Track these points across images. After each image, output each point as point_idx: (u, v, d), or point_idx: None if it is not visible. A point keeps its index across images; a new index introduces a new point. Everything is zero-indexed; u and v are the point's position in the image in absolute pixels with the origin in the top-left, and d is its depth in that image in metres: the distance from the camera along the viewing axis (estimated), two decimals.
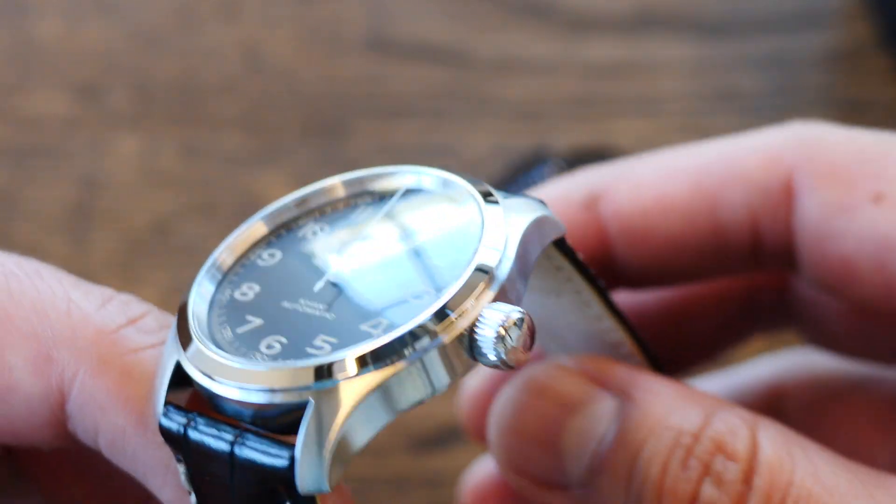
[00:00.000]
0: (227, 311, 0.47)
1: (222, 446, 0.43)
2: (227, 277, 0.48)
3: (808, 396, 0.56)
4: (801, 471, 0.49)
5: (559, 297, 0.52)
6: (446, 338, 0.43)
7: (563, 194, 0.57)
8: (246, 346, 0.45)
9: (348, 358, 0.43)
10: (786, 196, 0.54)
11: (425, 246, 0.47)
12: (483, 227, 0.46)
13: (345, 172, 0.50)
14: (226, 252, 0.49)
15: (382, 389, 0.43)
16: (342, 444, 0.42)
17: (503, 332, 0.44)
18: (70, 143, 0.91)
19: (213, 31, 0.97)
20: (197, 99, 0.93)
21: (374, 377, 0.43)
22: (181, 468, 0.45)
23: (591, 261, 0.51)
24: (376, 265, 0.47)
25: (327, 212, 0.50)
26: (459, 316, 0.44)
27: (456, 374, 0.44)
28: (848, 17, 0.98)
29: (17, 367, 0.46)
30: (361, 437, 0.43)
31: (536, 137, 0.92)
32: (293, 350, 0.44)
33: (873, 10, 0.97)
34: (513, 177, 0.88)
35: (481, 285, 0.44)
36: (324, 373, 0.43)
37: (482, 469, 0.61)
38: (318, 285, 0.47)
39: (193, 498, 0.45)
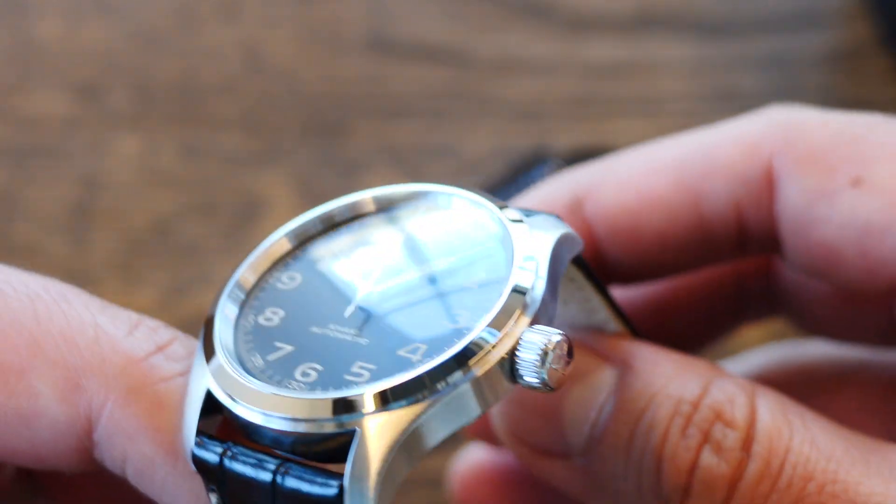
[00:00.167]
0: (255, 337, 0.46)
1: (264, 476, 0.43)
2: (248, 302, 0.48)
3: (798, 386, 0.56)
4: (799, 437, 0.49)
5: (566, 305, 0.52)
6: (489, 363, 0.43)
7: (547, 199, 0.57)
8: (280, 373, 0.45)
9: (394, 386, 0.42)
10: (767, 184, 0.54)
11: (454, 267, 0.47)
12: (513, 247, 0.46)
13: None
14: (248, 271, 0.48)
15: (429, 416, 0.43)
16: (391, 470, 0.42)
17: (545, 355, 0.44)
18: (70, 143, 0.91)
19: (213, 31, 0.97)
20: (197, 99, 0.93)
21: (421, 405, 0.42)
22: (213, 498, 0.44)
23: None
24: (405, 288, 0.47)
25: (341, 229, 0.50)
26: (500, 341, 0.43)
27: (498, 398, 0.44)
28: (848, 17, 0.98)
29: (43, 394, 0.45)
30: (412, 461, 0.43)
31: (536, 137, 0.92)
32: (331, 377, 0.44)
33: (873, 10, 0.97)
34: (513, 177, 0.88)
35: (519, 308, 0.44)
36: (370, 402, 0.42)
37: (469, 458, 0.61)
38: (349, 310, 0.46)
39: None
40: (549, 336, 0.44)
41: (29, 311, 0.46)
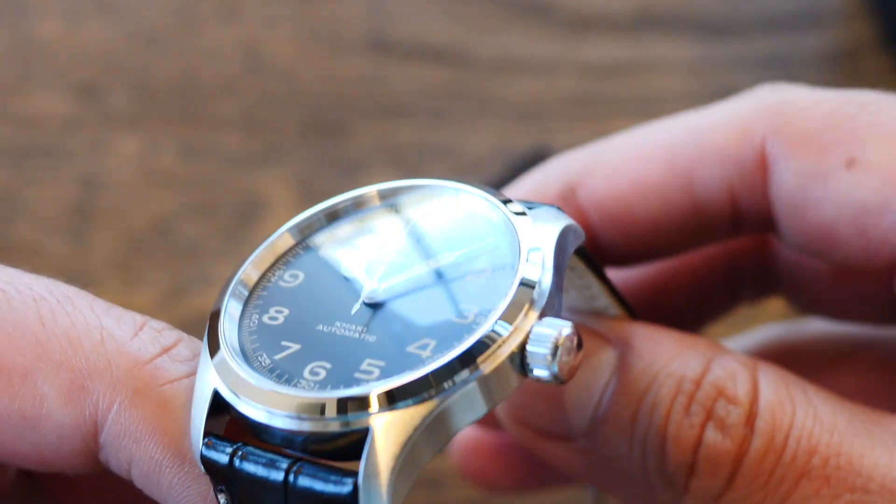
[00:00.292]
0: (260, 336, 0.46)
1: (277, 476, 0.43)
2: (252, 300, 0.48)
3: (797, 364, 0.56)
4: (802, 412, 0.49)
5: (566, 292, 0.52)
6: (499, 359, 0.43)
7: (538, 188, 0.57)
8: (289, 372, 0.44)
9: (405, 384, 0.42)
10: (760, 167, 0.54)
11: (459, 261, 0.47)
12: (518, 240, 0.46)
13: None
14: (251, 268, 0.48)
15: (443, 412, 0.42)
16: (404, 468, 0.42)
17: (555, 348, 0.43)
18: (70, 143, 0.91)
19: (213, 31, 0.97)
20: (197, 99, 0.93)
21: (432, 403, 0.42)
22: (222, 499, 0.44)
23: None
24: (411, 283, 0.47)
25: (342, 230, 0.49)
26: (510, 335, 0.43)
27: (508, 392, 0.44)
28: (848, 17, 0.98)
29: (49, 397, 0.45)
30: (424, 458, 0.43)
31: (536, 137, 0.92)
32: (340, 375, 0.44)
33: (873, 10, 0.97)
34: (513, 177, 0.88)
35: (527, 301, 0.44)
36: (383, 399, 0.42)
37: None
38: (355, 308, 0.46)
39: None
40: (559, 329, 0.43)
41: (33, 314, 0.46)
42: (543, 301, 0.44)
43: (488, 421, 0.59)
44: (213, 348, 0.45)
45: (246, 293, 0.47)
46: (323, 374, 0.44)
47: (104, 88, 0.94)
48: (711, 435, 0.49)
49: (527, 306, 0.44)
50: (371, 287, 0.46)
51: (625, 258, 0.57)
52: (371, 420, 0.42)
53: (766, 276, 0.61)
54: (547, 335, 0.43)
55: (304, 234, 0.49)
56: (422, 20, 0.98)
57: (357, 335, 0.45)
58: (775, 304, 0.66)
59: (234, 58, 0.95)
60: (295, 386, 0.44)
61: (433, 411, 0.42)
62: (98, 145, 0.91)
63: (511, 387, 0.44)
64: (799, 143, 0.53)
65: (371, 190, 0.50)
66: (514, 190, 0.58)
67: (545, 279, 0.45)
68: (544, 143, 0.91)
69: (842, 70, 0.96)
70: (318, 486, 0.42)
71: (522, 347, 0.43)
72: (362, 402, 0.42)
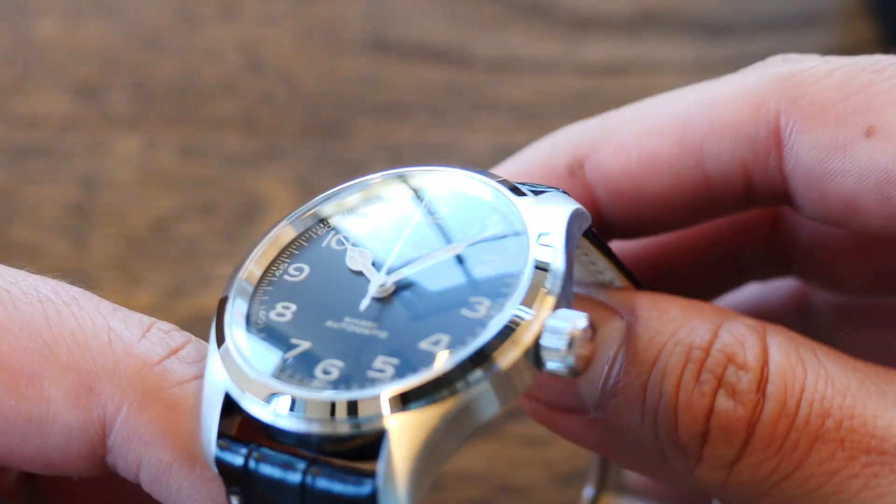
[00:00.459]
0: (269, 333, 0.46)
1: (294, 477, 0.42)
2: (257, 296, 0.47)
3: (836, 301, 0.55)
4: (813, 374, 0.49)
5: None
6: (515, 354, 0.42)
7: (545, 160, 0.57)
8: (301, 372, 0.44)
9: (422, 383, 0.42)
10: (774, 142, 0.53)
11: (468, 252, 0.46)
12: (527, 229, 0.45)
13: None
14: (254, 263, 0.47)
15: (459, 411, 0.42)
16: (425, 466, 0.42)
17: (571, 341, 0.43)
18: (69, 142, 0.91)
19: (213, 31, 0.97)
20: (196, 99, 0.93)
21: (450, 402, 0.42)
22: (235, 501, 0.44)
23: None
24: (420, 276, 0.46)
25: (345, 220, 0.49)
26: (524, 329, 0.43)
27: (525, 386, 0.43)
28: (848, 17, 0.98)
29: (55, 399, 0.45)
30: (442, 456, 0.42)
31: (536, 137, 0.91)
32: (353, 374, 0.43)
33: (873, 10, 0.97)
34: None
35: (540, 294, 0.43)
36: (398, 401, 0.42)
37: None
38: (364, 303, 0.45)
39: None
40: (574, 322, 0.43)
41: (40, 315, 0.46)
42: (557, 292, 0.44)
43: None
44: (220, 338, 0.45)
45: (251, 289, 0.47)
46: (336, 372, 0.43)
47: (104, 88, 0.94)
48: (723, 402, 0.48)
49: (540, 299, 0.43)
50: (380, 281, 0.46)
51: (631, 231, 0.57)
52: (387, 421, 0.42)
53: (777, 253, 0.61)
54: (562, 328, 0.43)
55: (307, 226, 0.49)
56: (422, 20, 0.97)
57: (368, 331, 0.44)
58: None
59: (233, 58, 0.95)
60: (308, 386, 0.43)
61: (451, 410, 0.42)
62: (98, 145, 0.91)
63: (527, 380, 0.43)
64: (815, 115, 0.52)
65: (374, 176, 0.49)
66: (521, 159, 0.57)
67: (557, 269, 0.44)
68: None
69: None
70: (337, 487, 0.42)
71: (537, 341, 0.43)
72: (378, 404, 0.42)
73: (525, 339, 0.43)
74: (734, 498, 0.50)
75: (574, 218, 0.46)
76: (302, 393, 0.43)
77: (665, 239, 0.60)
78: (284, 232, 0.48)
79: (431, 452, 0.42)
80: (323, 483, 0.42)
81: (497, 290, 0.44)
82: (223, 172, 0.90)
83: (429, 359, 0.43)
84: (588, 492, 0.67)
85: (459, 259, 0.46)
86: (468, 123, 0.92)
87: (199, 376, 0.45)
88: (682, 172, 0.55)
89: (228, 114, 0.92)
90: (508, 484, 0.74)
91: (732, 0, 0.99)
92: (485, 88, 0.94)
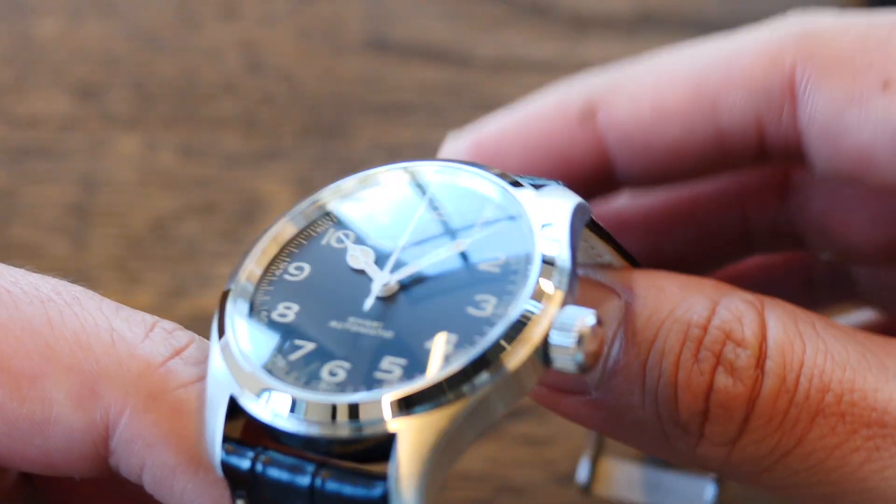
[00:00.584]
0: (271, 335, 0.45)
1: (303, 480, 0.42)
2: (258, 297, 0.47)
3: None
4: (812, 349, 0.49)
5: None
6: (524, 353, 0.42)
7: (557, 108, 0.56)
8: (306, 374, 0.43)
9: (431, 384, 0.41)
10: (790, 95, 0.53)
11: (472, 248, 0.46)
12: (531, 225, 0.45)
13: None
14: (253, 263, 0.47)
15: (469, 412, 0.42)
16: (436, 468, 0.41)
17: (580, 339, 0.43)
18: (69, 142, 0.91)
19: (213, 31, 0.97)
20: (196, 99, 0.93)
21: (459, 404, 0.41)
22: None
23: (590, 173, 0.50)
24: (424, 273, 0.45)
25: (344, 216, 0.48)
26: (532, 328, 0.42)
27: (535, 383, 0.43)
28: None
29: (58, 401, 0.44)
30: (452, 458, 0.42)
31: None
32: (360, 376, 0.43)
33: (873, 10, 0.97)
34: None
35: (548, 292, 0.43)
36: (409, 402, 0.41)
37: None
38: (368, 302, 0.45)
39: None
40: (582, 319, 0.43)
41: (41, 315, 0.45)
42: (564, 289, 0.43)
43: None
44: (227, 357, 0.45)
45: (252, 288, 0.46)
46: (342, 374, 0.43)
47: (103, 88, 0.94)
48: (722, 380, 0.48)
49: (547, 297, 0.43)
50: (383, 280, 0.45)
51: (640, 182, 0.57)
52: (396, 424, 0.41)
53: (785, 223, 0.61)
54: (570, 325, 0.42)
55: (308, 221, 0.48)
56: (422, 20, 0.97)
57: (373, 331, 0.44)
58: None
59: (233, 58, 0.95)
60: (314, 389, 0.43)
61: (461, 412, 0.41)
62: (97, 145, 0.91)
63: (536, 379, 0.43)
64: (831, 68, 0.52)
65: (378, 171, 0.49)
66: (534, 103, 0.57)
67: (564, 266, 0.44)
68: None
69: None
70: (347, 489, 0.41)
71: (545, 340, 0.43)
72: (388, 407, 0.41)
73: (533, 337, 0.42)
74: (738, 474, 0.50)
75: (577, 211, 0.46)
76: (314, 397, 0.42)
77: (671, 206, 0.59)
78: (285, 229, 0.48)
79: (442, 454, 0.41)
80: (333, 486, 0.42)
81: (503, 287, 0.44)
82: (223, 172, 0.89)
83: (436, 359, 0.42)
84: (585, 465, 0.67)
85: (463, 256, 0.46)
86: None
87: (203, 378, 0.45)
88: (695, 124, 0.54)
89: (228, 114, 0.92)
90: (508, 484, 0.74)
91: (732, 0, 0.99)
92: (485, 88, 0.94)
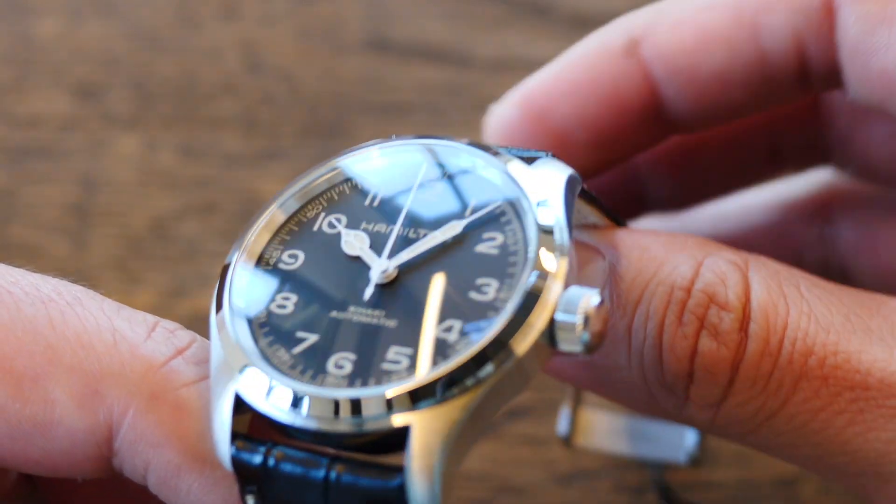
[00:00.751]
0: (272, 328, 0.45)
1: (318, 474, 0.41)
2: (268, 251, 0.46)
3: (859, 208, 0.55)
4: (796, 311, 0.48)
5: None
6: (530, 338, 0.42)
7: (601, 44, 0.56)
8: (313, 368, 0.43)
9: (442, 376, 0.41)
10: (827, 13, 0.53)
11: (468, 229, 0.45)
12: (525, 198, 0.45)
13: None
14: (246, 250, 0.46)
15: (481, 399, 0.41)
16: (451, 457, 0.41)
17: (586, 320, 0.42)
18: (69, 142, 0.91)
19: (213, 31, 0.97)
20: (196, 99, 0.93)
21: (472, 392, 0.41)
22: (251, 500, 0.43)
23: (640, 111, 0.50)
24: (422, 258, 0.45)
25: (335, 199, 0.47)
26: (537, 313, 0.42)
27: (543, 365, 0.43)
28: None
29: (60, 402, 0.44)
30: (468, 444, 0.42)
31: None
32: (367, 367, 0.42)
33: None
34: None
35: (550, 273, 0.43)
36: (422, 394, 0.41)
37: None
38: (368, 291, 0.44)
39: None
40: (587, 299, 0.42)
41: (43, 316, 0.45)
42: (566, 271, 0.43)
43: None
44: (233, 361, 0.44)
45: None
46: (349, 366, 0.43)
47: (103, 88, 0.94)
48: (706, 343, 0.48)
49: (550, 278, 0.43)
50: (381, 267, 0.45)
51: (691, 120, 0.56)
52: (410, 415, 0.41)
53: (814, 144, 0.60)
54: (575, 307, 0.42)
55: (297, 208, 0.48)
56: (422, 20, 0.97)
57: (376, 321, 0.43)
58: None
59: (233, 58, 0.95)
60: (321, 383, 0.43)
61: (473, 401, 0.41)
62: (97, 145, 0.91)
63: (543, 361, 0.43)
64: None
65: (363, 149, 0.48)
66: (578, 48, 0.57)
67: (563, 245, 0.43)
68: None
69: None
70: (364, 481, 0.41)
71: (551, 324, 0.42)
72: (401, 400, 0.41)
73: (539, 321, 0.42)
74: (725, 435, 0.50)
75: (570, 184, 0.45)
76: (323, 393, 0.42)
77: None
78: (275, 216, 0.47)
79: (457, 443, 0.41)
80: (349, 478, 0.41)
81: (503, 269, 0.43)
82: (223, 172, 0.89)
83: (443, 347, 0.42)
84: (565, 417, 0.67)
85: (460, 238, 0.45)
86: (468, 123, 0.92)
87: (206, 377, 0.45)
88: (738, 47, 0.54)
89: (228, 114, 0.92)
90: (508, 484, 0.74)
91: None
92: (485, 88, 0.94)
